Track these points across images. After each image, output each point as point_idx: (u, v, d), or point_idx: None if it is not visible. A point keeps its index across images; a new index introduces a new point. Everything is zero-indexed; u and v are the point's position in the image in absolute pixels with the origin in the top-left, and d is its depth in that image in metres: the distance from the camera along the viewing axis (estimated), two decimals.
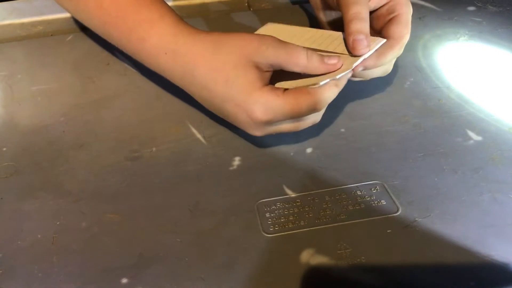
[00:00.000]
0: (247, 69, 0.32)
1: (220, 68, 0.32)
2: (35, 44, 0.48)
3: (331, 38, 0.36)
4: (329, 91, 0.32)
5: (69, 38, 0.48)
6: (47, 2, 0.52)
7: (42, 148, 0.38)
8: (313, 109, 0.32)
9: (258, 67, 0.32)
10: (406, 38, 0.36)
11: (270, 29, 0.40)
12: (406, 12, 0.36)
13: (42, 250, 0.31)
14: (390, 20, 0.36)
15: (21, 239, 0.32)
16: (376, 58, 0.35)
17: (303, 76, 0.33)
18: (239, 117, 0.33)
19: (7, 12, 0.52)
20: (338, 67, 0.33)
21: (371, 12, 0.38)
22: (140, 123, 0.40)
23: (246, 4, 0.54)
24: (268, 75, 0.33)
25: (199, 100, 0.36)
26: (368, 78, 0.37)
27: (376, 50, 0.34)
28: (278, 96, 0.31)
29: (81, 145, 0.38)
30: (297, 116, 0.32)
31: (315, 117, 0.34)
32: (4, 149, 0.38)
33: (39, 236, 0.32)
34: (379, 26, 0.38)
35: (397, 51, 0.36)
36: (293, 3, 0.54)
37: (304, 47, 0.33)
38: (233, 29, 0.49)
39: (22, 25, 0.51)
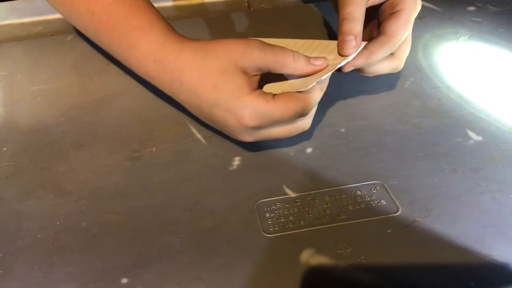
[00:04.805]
0: (235, 74, 0.32)
1: (208, 74, 0.32)
2: (35, 44, 0.48)
3: (322, 46, 0.36)
4: (315, 94, 0.33)
5: (69, 38, 0.48)
6: (47, 2, 0.52)
7: (42, 148, 0.38)
8: (301, 114, 0.32)
9: (245, 72, 0.32)
10: (401, 36, 0.35)
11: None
12: (408, 9, 0.35)
13: (42, 250, 0.31)
14: (391, 15, 0.35)
15: (21, 239, 0.32)
16: (365, 57, 0.34)
17: (290, 79, 0.33)
18: (228, 122, 0.33)
19: (7, 12, 0.52)
20: (324, 67, 0.33)
21: (379, 5, 0.37)
22: (140, 123, 0.40)
23: (246, 4, 0.54)
24: (256, 79, 0.33)
25: (188, 108, 0.36)
26: (378, 73, 0.37)
27: (363, 50, 0.34)
28: (268, 101, 0.31)
29: (81, 145, 0.38)
30: (285, 121, 0.32)
31: (305, 123, 0.34)
32: (4, 149, 0.38)
33: (39, 236, 0.32)
34: (383, 20, 0.37)
35: (388, 49, 0.35)
36: (305, 2, 0.53)
37: (290, 49, 0.33)
38: (233, 29, 0.49)
39: (22, 25, 0.51)
